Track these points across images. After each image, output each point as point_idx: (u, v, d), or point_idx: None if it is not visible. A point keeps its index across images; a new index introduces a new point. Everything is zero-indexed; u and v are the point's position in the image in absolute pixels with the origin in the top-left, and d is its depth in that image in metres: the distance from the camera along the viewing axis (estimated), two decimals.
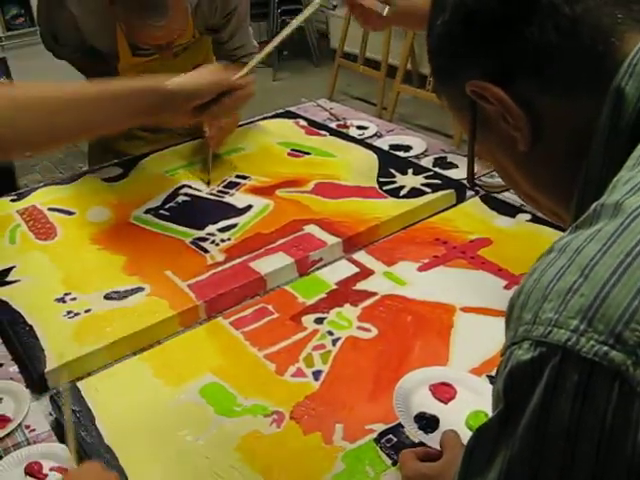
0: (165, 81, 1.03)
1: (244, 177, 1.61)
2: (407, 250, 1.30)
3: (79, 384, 1.02)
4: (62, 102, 0.97)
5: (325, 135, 1.80)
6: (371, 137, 1.80)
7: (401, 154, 1.68)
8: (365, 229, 1.36)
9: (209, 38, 1.82)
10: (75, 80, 1.69)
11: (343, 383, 1.00)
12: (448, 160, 1.64)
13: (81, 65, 1.85)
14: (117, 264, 1.30)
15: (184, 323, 1.16)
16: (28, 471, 0.89)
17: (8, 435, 0.96)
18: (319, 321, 1.13)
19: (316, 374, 1.02)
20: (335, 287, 1.21)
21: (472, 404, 0.93)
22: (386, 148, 1.71)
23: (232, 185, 1.58)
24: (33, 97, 0.95)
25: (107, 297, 1.20)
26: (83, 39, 1.67)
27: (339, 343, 1.08)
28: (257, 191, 1.54)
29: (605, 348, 0.41)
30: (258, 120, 1.93)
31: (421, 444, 0.88)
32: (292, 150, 1.72)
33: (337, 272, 1.26)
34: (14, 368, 1.08)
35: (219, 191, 1.56)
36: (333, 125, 1.87)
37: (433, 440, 0.87)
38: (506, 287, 1.17)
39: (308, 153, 1.70)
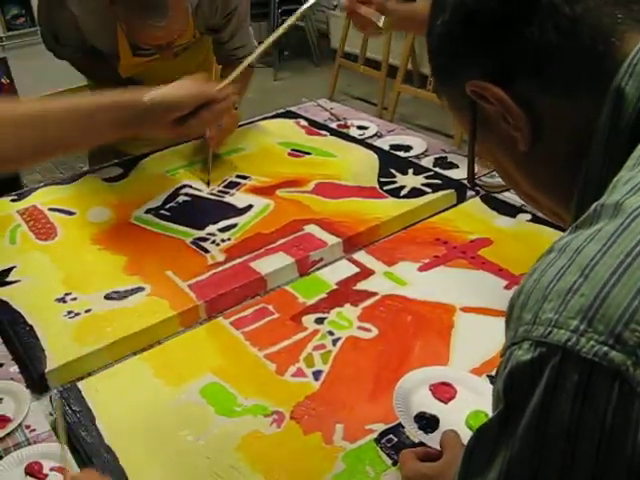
0: (143, 94, 1.01)
1: (244, 177, 1.61)
2: (407, 250, 1.30)
3: (79, 384, 1.02)
4: (39, 117, 0.96)
5: (326, 135, 1.80)
6: (371, 137, 1.80)
7: (401, 154, 1.68)
8: (365, 229, 1.36)
9: (209, 38, 1.83)
10: (74, 80, 1.69)
11: (343, 383, 1.00)
12: (448, 160, 1.64)
13: (81, 65, 1.86)
14: (117, 264, 1.30)
15: (184, 323, 1.16)
16: (28, 471, 0.89)
17: (8, 435, 0.96)
18: (319, 321, 1.13)
19: (316, 374, 1.02)
20: (335, 287, 1.21)
21: (472, 404, 0.93)
22: (386, 148, 1.71)
23: (232, 185, 1.58)
24: (15, 113, 0.95)
25: (107, 297, 1.20)
26: (84, 39, 1.68)
27: (339, 343, 1.08)
28: (257, 191, 1.54)
29: (605, 348, 0.41)
30: (258, 120, 1.93)
31: (421, 444, 0.88)
32: (292, 150, 1.72)
33: (337, 272, 1.26)
34: (14, 368, 1.08)
35: (219, 191, 1.56)
36: (334, 125, 1.87)
37: (433, 440, 0.87)
38: (506, 287, 1.17)
39: (308, 153, 1.70)
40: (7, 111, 0.95)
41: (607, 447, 0.41)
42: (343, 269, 1.26)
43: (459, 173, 1.55)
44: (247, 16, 1.79)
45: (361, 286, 1.21)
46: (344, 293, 1.20)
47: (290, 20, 1.27)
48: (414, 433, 0.89)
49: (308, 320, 1.13)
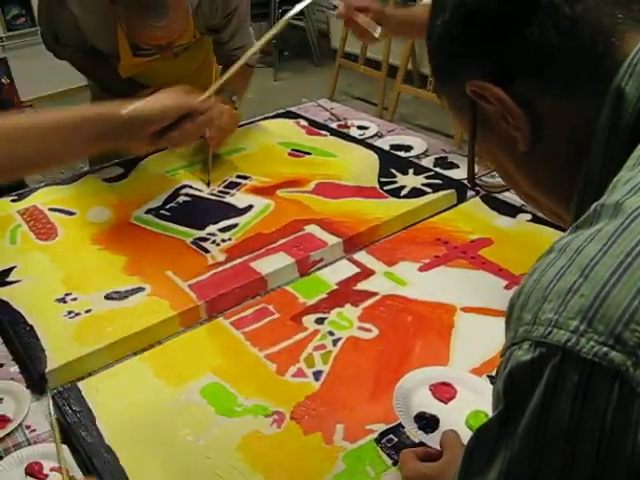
0: (121, 107, 1.00)
1: (245, 177, 1.61)
2: (408, 250, 1.30)
3: (80, 384, 1.02)
4: (20, 130, 0.96)
5: (326, 135, 1.80)
6: (372, 137, 1.80)
7: (402, 154, 1.68)
8: (366, 229, 1.36)
9: (210, 38, 1.83)
10: (74, 80, 1.69)
11: (344, 383, 1.00)
12: (449, 160, 1.64)
13: (82, 65, 1.86)
14: (118, 264, 1.30)
15: (185, 323, 1.16)
16: (28, 471, 0.89)
17: (8, 435, 0.96)
18: (320, 321, 1.13)
19: (317, 374, 1.02)
20: (336, 287, 1.21)
21: (472, 404, 0.93)
22: (387, 148, 1.71)
23: (233, 185, 1.58)
24: (6, 127, 0.94)
25: (108, 297, 1.20)
26: (84, 39, 1.68)
27: (340, 343, 1.08)
28: (258, 191, 1.54)
29: (605, 349, 0.41)
30: (259, 120, 1.93)
31: (421, 444, 0.88)
32: (293, 150, 1.72)
33: (338, 272, 1.26)
34: (15, 368, 1.08)
35: (220, 191, 1.56)
36: (334, 125, 1.88)
37: (433, 440, 0.87)
38: (507, 287, 1.17)
39: (309, 153, 1.70)
40: (2, 124, 0.94)
41: (607, 447, 0.41)
42: (343, 269, 1.26)
43: (459, 173, 1.55)
44: (247, 16, 1.79)
45: (361, 286, 1.21)
46: (344, 293, 1.20)
47: (278, 25, 1.27)
48: (414, 433, 0.89)
49: (308, 320, 1.13)
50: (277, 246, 1.32)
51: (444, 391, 0.96)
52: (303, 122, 1.89)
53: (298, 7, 1.29)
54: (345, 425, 0.93)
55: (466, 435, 0.85)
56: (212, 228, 1.40)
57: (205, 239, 1.37)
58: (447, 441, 0.84)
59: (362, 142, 1.74)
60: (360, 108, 2.29)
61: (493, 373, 0.96)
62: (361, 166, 1.61)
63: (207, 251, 1.32)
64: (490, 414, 0.49)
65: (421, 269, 1.25)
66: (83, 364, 1.07)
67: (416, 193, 1.47)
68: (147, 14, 1.39)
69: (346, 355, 1.05)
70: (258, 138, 1.81)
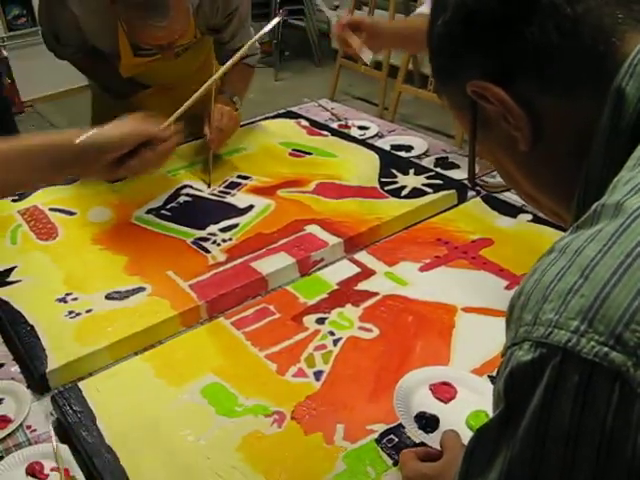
0: (75, 136, 0.97)
1: (245, 177, 1.61)
2: (408, 250, 1.30)
3: (80, 384, 1.02)
4: None
5: (327, 135, 1.80)
6: (372, 137, 1.80)
7: (402, 154, 1.68)
8: (366, 229, 1.36)
9: (211, 39, 1.83)
10: (75, 81, 1.69)
11: (344, 383, 1.00)
12: (449, 160, 1.64)
13: (83, 65, 1.86)
14: (118, 264, 1.30)
15: (185, 323, 1.16)
16: (29, 471, 0.89)
17: (9, 435, 0.96)
18: (320, 321, 1.13)
19: (317, 374, 1.02)
20: (336, 287, 1.21)
21: (472, 404, 0.93)
22: (387, 148, 1.71)
23: (233, 185, 1.58)
24: None
25: (108, 297, 1.20)
26: (85, 39, 1.68)
27: (340, 343, 1.08)
28: (258, 191, 1.54)
29: (605, 349, 0.41)
30: (259, 120, 1.93)
31: (422, 444, 0.88)
32: (293, 150, 1.72)
33: (338, 272, 1.26)
34: (15, 368, 1.09)
35: (220, 191, 1.56)
36: (335, 125, 1.88)
37: (433, 440, 0.87)
38: (507, 287, 1.17)
39: (309, 153, 1.70)
40: None
41: (608, 448, 0.41)
42: (344, 269, 1.26)
43: (460, 173, 1.55)
44: (248, 16, 1.79)
45: (362, 286, 1.21)
46: (345, 293, 1.19)
47: (247, 45, 1.28)
48: (414, 433, 0.89)
49: (309, 320, 1.13)
50: (278, 246, 1.32)
51: (444, 391, 0.96)
52: (304, 122, 1.89)
53: (267, 27, 1.31)
54: (346, 425, 0.93)
55: (466, 435, 0.85)
56: (213, 228, 1.40)
57: (206, 239, 1.37)
58: (447, 441, 0.84)
59: (363, 142, 1.74)
60: (361, 108, 2.30)
61: (494, 373, 0.96)
62: (362, 166, 1.61)
63: (208, 251, 1.32)
64: (491, 414, 0.49)
65: (422, 269, 1.25)
66: (84, 364, 1.07)
67: (417, 193, 1.47)
68: (148, 14, 1.39)
69: (347, 355, 1.05)
70: (259, 138, 1.81)
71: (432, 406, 0.94)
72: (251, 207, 1.47)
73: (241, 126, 1.81)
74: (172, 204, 1.52)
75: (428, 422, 0.91)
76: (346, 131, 1.83)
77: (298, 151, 1.72)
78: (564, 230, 0.52)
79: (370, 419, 0.93)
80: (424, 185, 1.50)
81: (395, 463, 0.86)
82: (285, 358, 1.05)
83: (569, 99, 0.55)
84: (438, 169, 1.58)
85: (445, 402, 0.95)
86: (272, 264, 1.26)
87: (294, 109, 2.01)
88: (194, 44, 1.74)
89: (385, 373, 1.01)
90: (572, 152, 0.56)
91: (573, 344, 0.42)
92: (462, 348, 1.05)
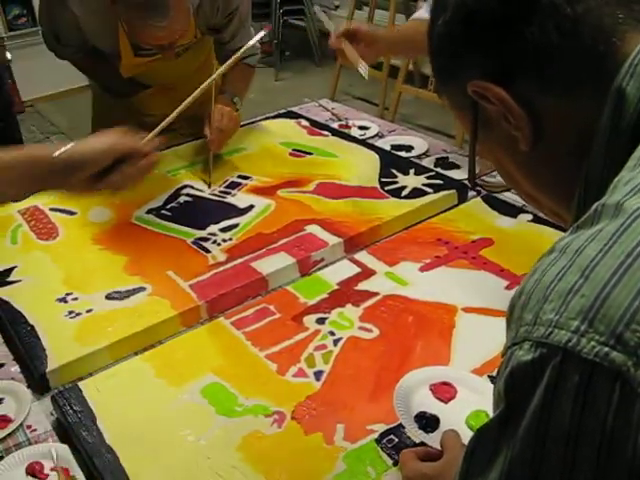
0: (53, 150, 0.96)
1: (246, 177, 1.61)
2: (409, 250, 1.30)
3: (80, 384, 1.02)
4: None
5: (327, 135, 1.80)
6: (373, 137, 1.80)
7: (403, 154, 1.68)
8: (367, 229, 1.36)
9: (211, 39, 1.83)
10: (75, 81, 1.69)
11: (344, 383, 1.00)
12: (450, 160, 1.64)
13: (83, 65, 1.86)
14: (118, 264, 1.30)
15: (185, 323, 1.16)
16: (29, 471, 0.89)
17: (9, 435, 0.96)
18: (321, 321, 1.13)
19: (317, 374, 1.02)
20: (337, 287, 1.21)
21: (473, 404, 0.93)
22: (388, 148, 1.71)
23: (234, 185, 1.58)
24: None
25: (108, 297, 1.20)
26: (85, 39, 1.68)
27: (340, 343, 1.08)
28: (259, 191, 1.54)
29: (606, 349, 0.41)
30: (260, 120, 1.93)
31: (422, 444, 0.88)
32: (294, 150, 1.72)
33: (339, 272, 1.26)
34: (15, 368, 1.09)
35: (221, 191, 1.56)
36: (335, 125, 1.88)
37: (434, 440, 0.87)
38: (508, 287, 1.17)
39: (310, 153, 1.70)
40: None
41: (608, 448, 0.41)
42: (344, 269, 1.26)
43: (460, 173, 1.55)
44: (248, 16, 1.79)
45: (362, 286, 1.21)
46: (345, 293, 1.19)
47: (229, 62, 1.28)
48: (414, 433, 0.89)
49: (309, 320, 1.13)
50: (278, 246, 1.32)
51: (444, 391, 0.96)
52: (304, 122, 1.89)
53: (252, 42, 1.31)
54: (346, 425, 0.93)
55: (466, 435, 0.85)
56: (213, 228, 1.40)
57: (206, 239, 1.37)
58: (448, 441, 0.84)
59: (363, 142, 1.74)
60: (361, 108, 2.30)
61: (494, 373, 0.96)
62: (362, 166, 1.61)
63: (208, 251, 1.32)
64: (491, 414, 0.49)
65: (422, 269, 1.25)
66: (84, 364, 1.07)
67: (417, 193, 1.47)
68: (148, 14, 1.39)
69: (347, 355, 1.05)
70: (259, 138, 1.81)
71: (432, 406, 0.94)
72: (251, 207, 1.47)
73: (241, 126, 1.81)
74: (172, 204, 1.52)
75: (428, 422, 0.91)
76: (346, 131, 1.83)
77: (298, 151, 1.72)
78: (564, 230, 0.52)
79: (370, 419, 0.93)
80: (424, 185, 1.50)
81: (395, 463, 0.86)
82: (285, 358, 1.05)
83: (569, 99, 0.55)
84: (438, 169, 1.58)
85: (445, 402, 0.95)
86: (272, 264, 1.26)
87: (294, 109, 2.01)
88: (194, 44, 1.74)
89: (385, 373, 1.01)
90: (572, 152, 0.56)
91: (573, 344, 0.42)
92: (462, 348, 1.05)
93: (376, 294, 1.18)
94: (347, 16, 4.39)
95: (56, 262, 1.33)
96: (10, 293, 1.23)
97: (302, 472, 0.87)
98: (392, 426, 0.92)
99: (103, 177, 1.00)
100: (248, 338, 1.10)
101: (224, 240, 1.36)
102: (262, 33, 1.35)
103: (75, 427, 0.94)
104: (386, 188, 1.51)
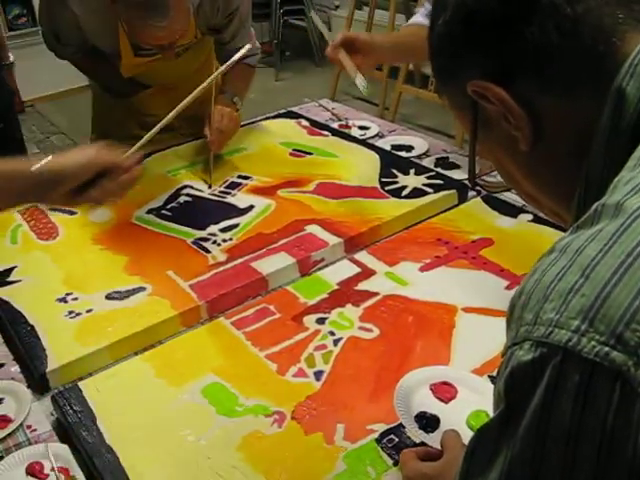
0: (32, 163, 0.96)
1: (246, 177, 1.61)
2: (409, 250, 1.30)
3: (80, 384, 1.02)
4: None
5: (327, 135, 1.80)
6: (373, 137, 1.80)
7: (403, 154, 1.68)
8: (367, 229, 1.36)
9: (211, 39, 1.83)
10: (75, 80, 1.69)
11: (344, 383, 1.00)
12: (450, 160, 1.64)
13: (83, 65, 1.86)
14: (119, 264, 1.30)
15: (186, 323, 1.16)
16: (29, 471, 0.89)
17: (9, 435, 0.96)
18: (321, 321, 1.13)
19: (317, 374, 1.02)
20: (337, 287, 1.21)
21: (473, 404, 0.93)
22: (388, 148, 1.71)
23: (234, 185, 1.58)
24: None
25: (109, 297, 1.20)
26: (85, 39, 1.68)
27: (341, 343, 1.08)
28: (259, 191, 1.54)
29: (606, 349, 0.41)
30: (260, 120, 1.93)
31: (422, 444, 0.88)
32: (294, 150, 1.72)
33: (339, 272, 1.26)
34: (15, 368, 1.09)
35: (221, 191, 1.56)
36: (335, 125, 1.88)
37: (434, 440, 0.87)
38: (508, 287, 1.17)
39: (310, 153, 1.70)
40: None
41: (608, 448, 0.41)
42: (344, 269, 1.26)
43: (460, 173, 1.55)
44: (248, 16, 1.79)
45: (362, 286, 1.21)
46: (345, 293, 1.19)
47: (217, 72, 1.28)
48: (415, 433, 0.89)
49: (309, 320, 1.13)
50: (278, 246, 1.32)
51: (445, 391, 0.96)
52: (304, 122, 1.89)
53: (236, 57, 1.29)
54: (346, 425, 0.93)
55: (467, 435, 0.85)
56: (213, 228, 1.40)
57: (206, 239, 1.37)
58: (448, 441, 0.84)
59: (363, 142, 1.74)
60: (361, 108, 2.29)
61: (494, 373, 0.96)
62: (362, 166, 1.61)
63: (208, 251, 1.32)
64: (491, 414, 0.49)
65: (422, 269, 1.25)
66: (84, 364, 1.07)
67: (417, 193, 1.47)
68: (148, 14, 1.39)
69: (347, 355, 1.05)
70: (259, 138, 1.81)
71: (432, 406, 0.94)
72: (251, 207, 1.47)
73: (242, 126, 1.81)
74: (172, 204, 1.52)
75: (428, 422, 0.91)
76: (347, 131, 1.83)
77: (298, 151, 1.72)
78: (564, 230, 0.52)
79: (370, 419, 0.93)
80: (424, 185, 1.50)
81: (395, 463, 0.86)
82: (285, 358, 1.05)
83: (569, 99, 0.55)
84: (438, 169, 1.58)
85: (445, 402, 0.95)
86: (272, 264, 1.26)
87: (294, 109, 2.01)
88: (195, 44, 1.73)
89: (385, 373, 1.01)
90: (572, 152, 0.56)
91: (574, 344, 0.42)
92: (462, 348, 1.05)
93: (376, 294, 1.18)
94: (347, 16, 4.39)
95: (56, 262, 1.33)
96: (10, 293, 1.23)
97: (302, 472, 0.87)
98: (392, 426, 0.92)
99: (83, 191, 0.99)
100: (248, 338, 1.10)
101: (224, 240, 1.36)
102: (244, 50, 1.34)
103: (75, 427, 0.94)
104: (386, 188, 1.51)
